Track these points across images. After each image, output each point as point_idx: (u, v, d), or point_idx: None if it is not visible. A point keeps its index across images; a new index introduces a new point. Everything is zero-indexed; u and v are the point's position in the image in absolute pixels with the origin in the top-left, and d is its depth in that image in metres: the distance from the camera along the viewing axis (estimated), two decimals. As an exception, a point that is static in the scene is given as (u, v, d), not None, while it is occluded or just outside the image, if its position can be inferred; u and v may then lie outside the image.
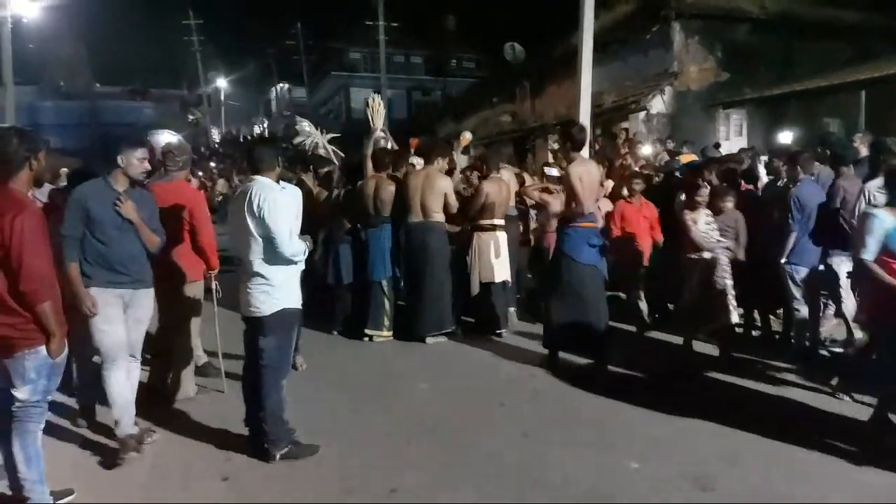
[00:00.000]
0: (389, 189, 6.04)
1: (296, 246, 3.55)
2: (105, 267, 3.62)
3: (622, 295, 6.58)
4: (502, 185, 6.23)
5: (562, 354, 5.32)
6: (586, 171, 5.06)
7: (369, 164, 6.43)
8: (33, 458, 2.95)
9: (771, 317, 6.07)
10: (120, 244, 3.64)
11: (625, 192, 6.64)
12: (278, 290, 3.54)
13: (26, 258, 2.79)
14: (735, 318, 5.23)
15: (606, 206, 6.63)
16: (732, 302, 5.11)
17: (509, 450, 3.81)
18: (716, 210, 5.35)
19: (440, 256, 6.01)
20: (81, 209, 3.58)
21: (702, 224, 5.23)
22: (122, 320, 3.68)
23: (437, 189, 5.94)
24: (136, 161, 3.69)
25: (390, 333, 6.11)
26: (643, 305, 6.36)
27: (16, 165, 2.92)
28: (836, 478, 3.42)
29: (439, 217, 5.99)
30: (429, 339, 5.99)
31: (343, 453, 3.77)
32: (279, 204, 3.48)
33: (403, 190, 6.03)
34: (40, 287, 2.82)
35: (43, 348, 2.88)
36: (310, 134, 8.39)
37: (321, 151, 8.21)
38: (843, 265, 4.89)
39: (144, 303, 3.83)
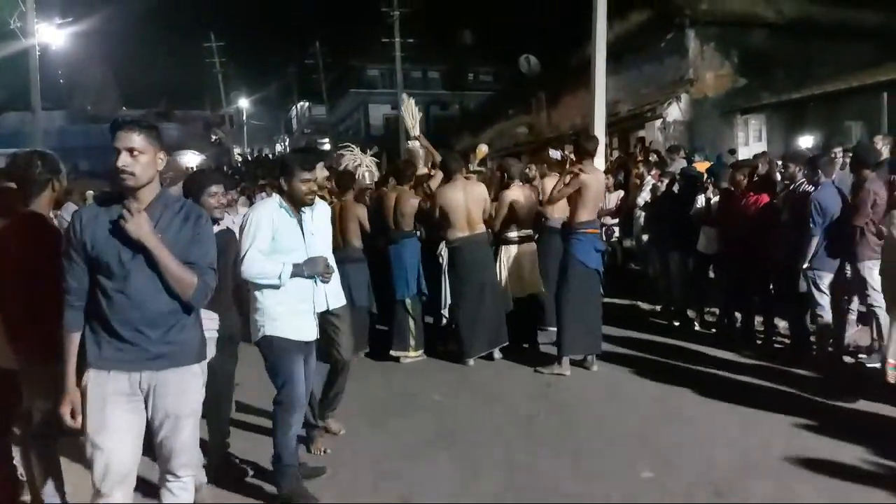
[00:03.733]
0: (412, 202, 5.75)
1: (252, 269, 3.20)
2: (110, 332, 2.27)
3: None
4: (526, 194, 6.00)
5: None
6: (595, 180, 5.26)
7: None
8: (51, 471, 3.01)
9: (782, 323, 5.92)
10: (131, 288, 2.25)
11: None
12: (263, 315, 3.28)
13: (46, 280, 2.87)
14: None
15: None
16: None
17: (524, 461, 3.80)
18: None
19: (491, 269, 5.74)
20: (78, 244, 2.27)
21: None
22: (130, 429, 2.31)
23: (479, 198, 5.61)
24: (117, 153, 2.20)
25: (420, 353, 5.81)
26: None
27: (38, 187, 3.00)
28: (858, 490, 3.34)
29: (482, 228, 5.68)
30: (496, 354, 5.69)
31: (357, 467, 3.78)
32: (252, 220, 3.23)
33: (445, 203, 5.54)
34: (59, 308, 2.90)
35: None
36: (356, 158, 8.39)
37: (364, 172, 8.11)
38: (873, 270, 4.80)
39: (176, 388, 2.34)
